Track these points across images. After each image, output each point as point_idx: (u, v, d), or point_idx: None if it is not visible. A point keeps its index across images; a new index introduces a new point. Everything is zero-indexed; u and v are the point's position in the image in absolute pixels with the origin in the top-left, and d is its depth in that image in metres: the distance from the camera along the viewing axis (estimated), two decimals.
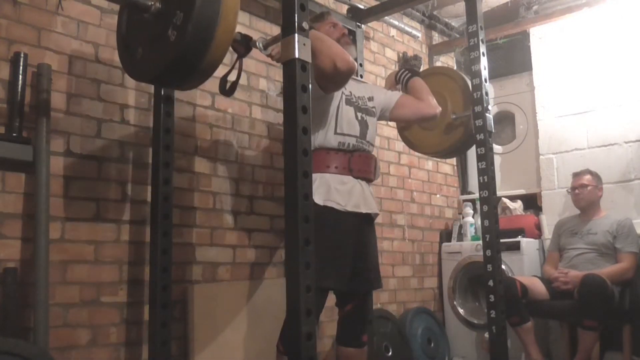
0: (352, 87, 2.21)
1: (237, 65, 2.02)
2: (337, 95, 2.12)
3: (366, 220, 2.16)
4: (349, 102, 2.16)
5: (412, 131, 2.95)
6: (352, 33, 3.11)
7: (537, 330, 3.13)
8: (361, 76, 3.17)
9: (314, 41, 1.82)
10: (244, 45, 1.98)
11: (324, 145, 2.07)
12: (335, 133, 2.09)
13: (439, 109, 2.35)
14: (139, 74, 1.75)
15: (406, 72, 2.46)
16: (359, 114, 2.18)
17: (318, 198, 1.97)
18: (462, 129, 2.69)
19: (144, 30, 1.67)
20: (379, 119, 2.36)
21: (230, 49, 2.00)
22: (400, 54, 3.93)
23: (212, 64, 1.57)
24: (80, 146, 2.16)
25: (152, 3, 1.59)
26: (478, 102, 2.51)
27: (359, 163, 2.12)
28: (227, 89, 2.04)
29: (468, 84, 2.68)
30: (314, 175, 2.02)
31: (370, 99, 2.29)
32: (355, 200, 2.08)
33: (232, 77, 2.06)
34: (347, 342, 2.15)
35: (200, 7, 1.45)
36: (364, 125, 2.18)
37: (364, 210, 2.11)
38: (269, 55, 1.98)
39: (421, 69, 3.98)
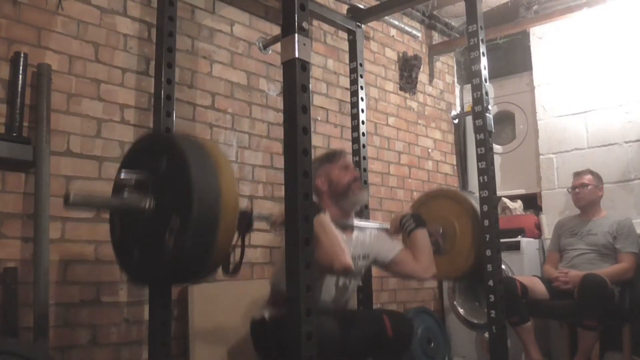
0: (350, 241, 2.15)
1: (239, 243, 1.85)
2: None
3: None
4: None
5: None
6: (352, 33, 3.11)
7: (537, 330, 3.13)
8: (361, 76, 3.09)
9: (318, 228, 1.76)
10: (244, 222, 1.84)
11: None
12: None
13: (432, 273, 2.25)
14: (139, 277, 1.66)
15: (411, 222, 2.31)
16: (341, 280, 2.13)
17: (270, 318, 2.00)
18: (473, 257, 2.50)
19: (138, 231, 1.55)
20: (372, 263, 2.31)
21: None
22: (400, 54, 3.93)
23: (215, 264, 1.51)
24: (80, 146, 2.16)
25: (146, 205, 1.47)
26: (478, 102, 2.50)
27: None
28: (232, 270, 1.83)
29: (475, 207, 2.51)
30: (269, 309, 2.03)
31: (365, 256, 2.23)
32: None
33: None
34: None
35: (197, 210, 1.35)
36: (341, 292, 2.15)
37: None
38: (272, 224, 1.93)
39: (421, 69, 4.00)
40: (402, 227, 2.32)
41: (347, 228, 2.17)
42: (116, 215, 1.66)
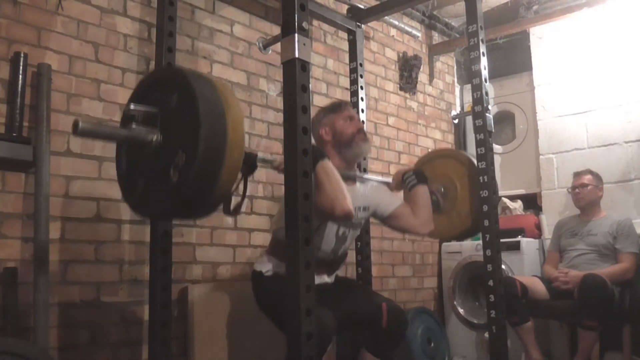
0: (351, 191, 2.13)
1: (241, 185, 1.86)
2: None
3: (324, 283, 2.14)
4: None
5: None
6: (352, 33, 3.11)
7: (537, 330, 3.13)
8: (361, 76, 3.10)
9: (321, 174, 1.82)
10: (248, 164, 1.84)
11: None
12: None
13: (430, 229, 2.29)
14: (141, 209, 1.66)
15: (413, 178, 2.34)
16: (342, 230, 2.15)
17: (266, 270, 2.04)
18: (471, 220, 2.54)
19: (144, 163, 1.55)
20: (371, 215, 2.33)
21: None
22: (400, 54, 3.93)
23: (218, 200, 1.51)
24: (80, 146, 2.16)
25: (154, 138, 1.48)
26: (478, 102, 2.51)
27: (322, 269, 2.11)
28: (232, 210, 1.83)
29: (475, 165, 2.53)
30: (269, 258, 2.08)
31: (366, 208, 2.25)
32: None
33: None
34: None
35: (203, 149, 1.34)
36: (341, 241, 2.17)
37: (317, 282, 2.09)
38: (275, 168, 1.92)
39: (421, 69, 4.00)
40: (403, 183, 2.36)
41: (349, 179, 2.17)
42: (123, 147, 1.67)
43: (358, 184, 2.26)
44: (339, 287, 2.20)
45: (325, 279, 2.16)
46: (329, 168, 1.88)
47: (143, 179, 1.55)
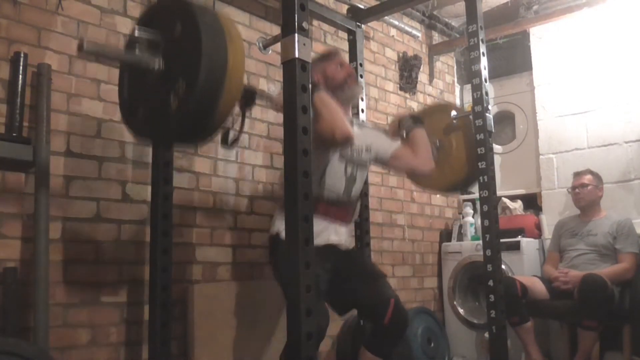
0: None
1: (239, 117, 1.96)
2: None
3: (339, 249, 2.15)
4: (342, 156, 2.16)
5: None
6: (352, 33, 3.10)
7: (537, 330, 3.13)
8: (361, 76, 3.14)
9: (318, 103, 1.89)
10: (247, 97, 1.95)
11: None
12: (319, 186, 2.09)
13: (431, 167, 2.30)
14: (140, 134, 1.70)
15: (410, 121, 2.38)
16: (349, 169, 2.18)
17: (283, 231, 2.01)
18: (467, 169, 2.58)
19: (145, 89, 1.60)
20: (373, 163, 2.36)
21: None
22: (400, 54, 3.93)
23: (216, 128, 1.55)
24: (80, 146, 2.16)
25: (156, 65, 1.52)
26: (478, 102, 2.50)
27: (337, 212, 2.14)
28: (230, 142, 1.96)
29: (470, 120, 2.58)
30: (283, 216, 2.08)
31: (368, 149, 2.27)
32: (326, 237, 2.08)
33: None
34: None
35: (204, 78, 1.38)
36: (351, 182, 2.19)
37: (335, 242, 2.11)
38: (273, 107, 1.97)
39: (421, 69, 4.00)
40: (400, 128, 2.39)
41: None
42: (125, 71, 1.71)
43: (356, 128, 2.27)
44: (352, 265, 2.19)
45: (341, 233, 2.15)
46: (326, 97, 1.93)
47: (144, 105, 1.60)
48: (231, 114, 1.61)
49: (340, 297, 2.14)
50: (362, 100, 3.00)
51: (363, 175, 2.30)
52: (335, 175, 2.15)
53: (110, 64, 2.18)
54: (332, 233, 2.12)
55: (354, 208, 2.26)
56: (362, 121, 2.58)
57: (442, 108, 2.89)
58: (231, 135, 1.94)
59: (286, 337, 1.46)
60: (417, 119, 2.37)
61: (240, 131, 1.92)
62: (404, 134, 2.36)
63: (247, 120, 2.77)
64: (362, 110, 2.98)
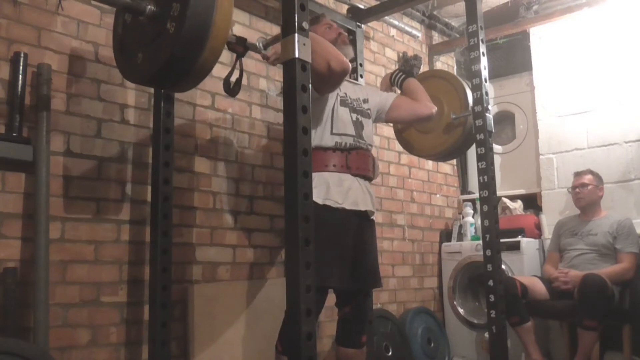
0: (347, 89, 2.23)
1: (237, 65, 2.05)
2: (332, 96, 2.13)
3: (365, 218, 2.16)
4: (344, 103, 2.17)
5: (409, 133, 2.92)
6: (352, 33, 3.11)
7: (537, 330, 3.13)
8: (361, 76, 3.17)
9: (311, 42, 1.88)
10: (241, 45, 2.05)
11: (321, 145, 2.08)
12: (332, 133, 2.10)
13: (434, 109, 2.34)
14: (137, 76, 1.75)
15: (400, 74, 2.46)
16: (354, 115, 2.19)
17: (316, 197, 1.98)
18: (460, 130, 2.67)
19: (141, 34, 1.67)
20: (375, 120, 2.36)
21: (230, 51, 2.03)
22: (400, 54, 3.93)
23: (212, 55, 1.58)
24: (80, 146, 2.16)
25: (147, 6, 1.60)
26: (478, 102, 2.51)
27: (357, 161, 2.13)
28: (231, 89, 2.06)
29: (464, 86, 2.68)
30: (312, 174, 2.06)
31: (365, 100, 2.30)
32: (354, 198, 2.09)
33: (234, 77, 2.07)
34: (346, 342, 2.16)
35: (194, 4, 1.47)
36: (359, 126, 2.20)
37: (362, 208, 2.12)
38: (265, 57, 2.01)
39: (421, 69, 3.99)
40: (392, 83, 2.45)
41: None
42: (120, 17, 1.86)
43: (350, 84, 2.31)
44: (365, 246, 2.15)
45: (359, 196, 2.11)
46: (315, 35, 1.93)
47: (141, 50, 1.68)
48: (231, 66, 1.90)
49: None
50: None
51: (369, 124, 2.28)
52: (343, 119, 2.14)
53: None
54: (360, 197, 2.11)
55: (372, 158, 2.23)
56: (359, 77, 2.65)
57: (436, 74, 3.01)
58: (232, 83, 2.05)
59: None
60: (407, 70, 2.42)
61: (240, 76, 2.03)
62: (398, 87, 2.40)
63: (247, 120, 2.79)
64: None
